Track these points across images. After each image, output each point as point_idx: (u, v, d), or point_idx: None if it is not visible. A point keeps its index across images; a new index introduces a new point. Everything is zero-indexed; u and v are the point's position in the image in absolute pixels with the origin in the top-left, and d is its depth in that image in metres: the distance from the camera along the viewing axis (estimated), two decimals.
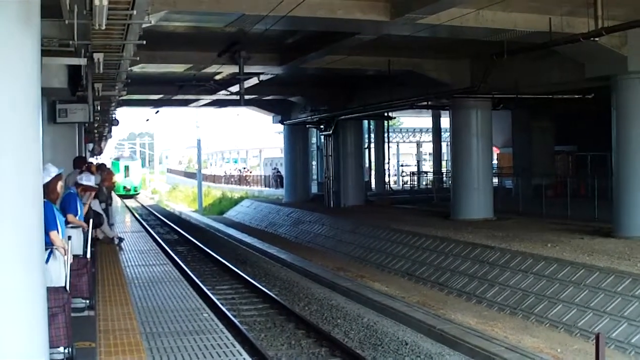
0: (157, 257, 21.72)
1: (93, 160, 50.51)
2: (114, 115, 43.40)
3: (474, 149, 33.84)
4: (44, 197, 9.62)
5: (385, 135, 56.50)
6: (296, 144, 56.32)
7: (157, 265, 20.05)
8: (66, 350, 9.36)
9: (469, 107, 33.79)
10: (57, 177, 10.64)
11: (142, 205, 76.16)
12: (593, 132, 39.46)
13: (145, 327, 12.21)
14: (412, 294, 23.53)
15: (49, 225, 9.89)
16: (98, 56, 15.80)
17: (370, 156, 57.03)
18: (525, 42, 24.86)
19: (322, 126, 49.20)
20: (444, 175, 56.41)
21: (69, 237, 10.97)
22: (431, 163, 70.32)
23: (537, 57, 28.66)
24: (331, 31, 25.96)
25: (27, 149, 7.54)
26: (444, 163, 64.47)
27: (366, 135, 55.97)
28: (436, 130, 63.80)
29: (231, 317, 19.45)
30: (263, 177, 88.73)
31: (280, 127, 60.47)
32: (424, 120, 76.60)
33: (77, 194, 14.53)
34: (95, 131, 44.32)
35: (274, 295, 23.02)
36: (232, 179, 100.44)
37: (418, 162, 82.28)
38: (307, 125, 53.06)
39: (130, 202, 75.25)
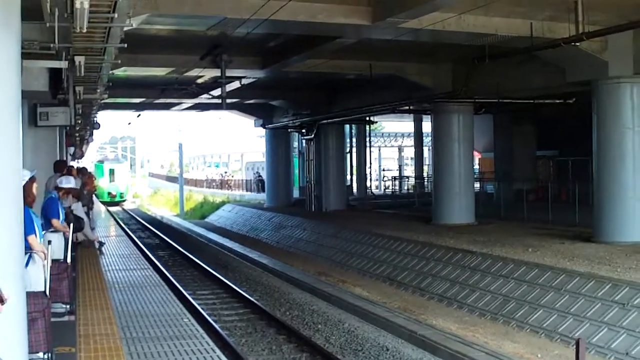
0: (138, 262, 21.66)
1: (74, 163, 50.33)
2: (95, 119, 43.24)
3: (456, 153, 33.87)
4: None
5: (367, 139, 56.55)
6: (278, 148, 56.30)
7: (138, 269, 19.99)
8: (46, 356, 9.30)
9: (451, 112, 33.83)
10: (32, 180, 10.55)
11: (124, 209, 75.99)
12: (574, 137, 39.58)
13: (125, 332, 12.17)
14: (393, 299, 23.51)
15: (27, 229, 9.82)
16: (79, 59, 15.71)
17: (352, 160, 57.00)
18: (507, 47, 24.89)
19: (303, 130, 49.20)
20: (426, 180, 56.43)
21: (49, 242, 10.91)
22: (413, 167, 70.35)
23: (518, 62, 28.73)
24: (313, 35, 25.95)
25: (7, 152, 7.49)
26: (425, 167, 64.60)
27: (348, 140, 55.99)
28: (418, 134, 63.81)
29: (212, 322, 19.39)
30: (245, 181, 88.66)
31: (262, 131, 60.41)
32: (406, 124, 76.67)
33: (58, 199, 14.46)
34: (77, 134, 44.09)
35: (255, 301, 22.98)
36: (214, 183, 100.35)
37: (400, 166, 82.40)
38: (289, 130, 53.07)
39: (112, 207, 72.91)
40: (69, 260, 13.03)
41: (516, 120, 47.40)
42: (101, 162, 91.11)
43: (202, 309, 21.33)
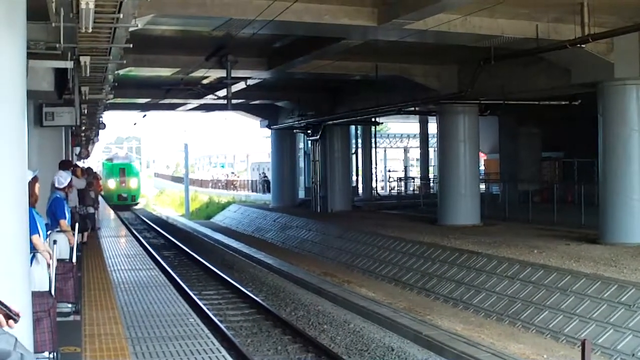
0: (143, 262, 21.67)
1: (80, 163, 50.37)
2: (101, 119, 43.30)
3: (461, 154, 33.87)
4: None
5: (373, 140, 56.52)
6: (283, 149, 56.32)
7: (143, 269, 20.00)
8: (51, 355, 9.31)
9: (456, 113, 33.82)
10: (34, 180, 10.55)
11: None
12: (580, 139, 39.52)
13: (131, 332, 12.17)
14: (398, 300, 23.50)
15: (31, 229, 9.83)
16: (85, 59, 15.75)
17: (357, 161, 56.99)
18: (512, 48, 24.87)
19: (309, 131, 49.20)
20: (431, 181, 56.40)
21: (54, 242, 10.92)
22: (418, 169, 70.33)
23: (524, 63, 28.71)
24: (318, 36, 25.96)
25: (12, 153, 7.50)
26: (431, 169, 64.55)
27: (353, 141, 55.96)
28: (423, 135, 63.84)
29: (217, 322, 19.40)
30: (250, 182, 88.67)
31: (267, 132, 60.45)
32: (412, 125, 76.67)
33: (64, 199, 14.48)
34: (83, 134, 44.17)
35: (260, 301, 22.97)
36: (219, 184, 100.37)
37: (405, 167, 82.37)
38: (295, 130, 53.06)
39: (123, 211, 65.68)
40: (74, 260, 13.04)
41: (522, 122, 47.41)
42: (110, 160, 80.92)
43: (208, 309, 21.34)
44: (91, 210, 27.05)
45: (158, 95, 44.16)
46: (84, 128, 38.72)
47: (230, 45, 28.62)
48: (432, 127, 53.03)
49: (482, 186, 42.33)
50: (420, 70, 34.03)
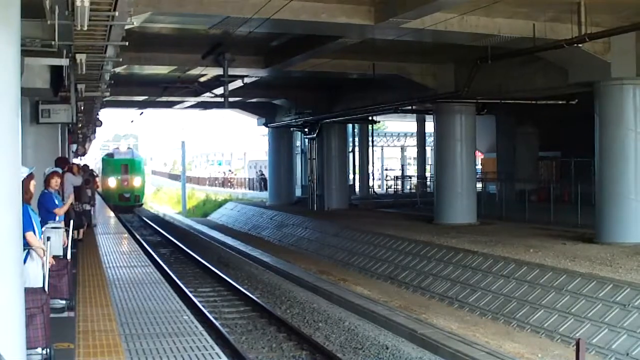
0: (139, 259, 21.65)
1: (77, 160, 50.35)
2: (97, 116, 43.27)
3: (458, 153, 33.89)
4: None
5: (370, 139, 56.55)
6: (280, 147, 56.37)
7: (139, 266, 19.97)
8: (44, 351, 9.32)
9: (453, 112, 33.84)
10: (29, 177, 10.54)
11: None
12: (577, 138, 39.50)
13: (125, 328, 12.17)
14: (394, 298, 23.51)
15: (25, 226, 9.82)
16: (81, 57, 15.74)
17: (354, 160, 56.99)
18: (509, 48, 24.89)
19: (306, 129, 49.27)
20: (428, 180, 56.43)
21: (48, 238, 10.92)
22: (415, 167, 70.35)
23: (521, 63, 28.77)
24: (315, 34, 25.96)
25: (6, 149, 7.50)
26: (428, 167, 64.58)
27: (350, 139, 55.97)
28: (420, 134, 63.84)
29: (212, 319, 19.40)
30: (247, 179, 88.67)
31: (265, 130, 60.39)
32: (409, 124, 76.72)
33: (52, 193, 14.51)
34: (79, 132, 44.18)
35: (255, 298, 22.97)
36: (216, 182, 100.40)
37: (402, 166, 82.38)
38: (292, 128, 53.16)
39: (124, 213, 59.19)
40: (69, 256, 13.03)
41: (519, 121, 47.47)
42: (111, 155, 70.05)
43: (203, 306, 21.34)
44: (87, 207, 27.03)
45: (155, 93, 44.18)
46: (80, 125, 38.69)
47: (227, 43, 28.64)
48: (430, 126, 52.99)
49: (479, 185, 42.40)
50: (417, 69, 34.05)
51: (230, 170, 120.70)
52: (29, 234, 10.22)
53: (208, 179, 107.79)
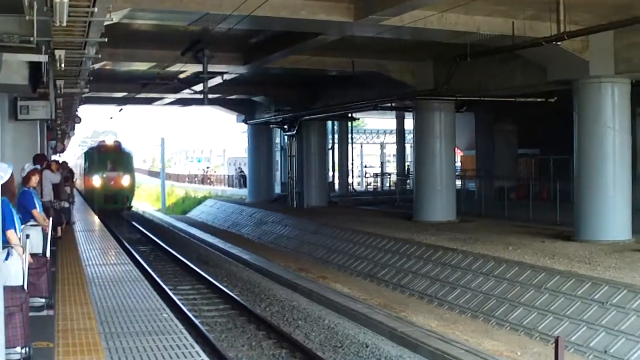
0: (118, 257, 21.57)
1: (56, 157, 50.11)
2: (76, 112, 43.08)
3: (437, 151, 33.95)
4: (1, 195, 9.56)
5: (349, 136, 56.62)
6: (260, 144, 56.37)
7: (118, 264, 19.89)
8: (23, 350, 9.26)
9: (433, 109, 33.89)
10: (13, 175, 10.51)
11: None
12: (556, 136, 39.65)
13: (104, 327, 12.11)
14: (373, 296, 23.53)
15: (6, 223, 9.77)
16: (59, 53, 15.65)
17: (333, 157, 57.01)
18: (488, 45, 24.95)
19: (285, 126, 49.25)
20: (408, 177, 56.51)
21: (27, 236, 10.86)
22: (395, 164, 70.43)
23: (500, 60, 28.81)
24: (295, 31, 25.93)
25: None
26: (407, 164, 64.66)
27: (330, 136, 55.95)
28: (400, 131, 63.96)
29: (192, 317, 19.37)
30: (227, 176, 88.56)
31: (244, 127, 60.36)
32: (388, 121, 76.77)
33: (32, 191, 14.41)
34: (58, 128, 43.96)
35: (235, 296, 22.95)
36: (196, 178, 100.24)
37: (381, 163, 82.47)
38: (271, 125, 53.19)
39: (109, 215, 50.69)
40: (48, 254, 12.97)
41: (498, 119, 47.63)
42: (95, 149, 59.17)
43: (183, 304, 21.31)
44: (66, 204, 26.93)
45: (134, 89, 44.07)
46: (59, 122, 38.52)
47: (207, 40, 28.56)
48: (409, 123, 53.10)
49: (458, 182, 42.44)
50: (396, 66, 34.07)
51: (209, 167, 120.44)
52: (10, 232, 10.16)
53: (187, 175, 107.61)
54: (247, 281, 26.37)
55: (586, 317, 17.57)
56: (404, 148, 64.61)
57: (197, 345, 11.18)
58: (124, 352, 10.61)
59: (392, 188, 56.27)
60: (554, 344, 13.03)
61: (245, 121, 56.19)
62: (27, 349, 9.31)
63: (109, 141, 61.70)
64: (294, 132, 48.07)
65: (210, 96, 37.09)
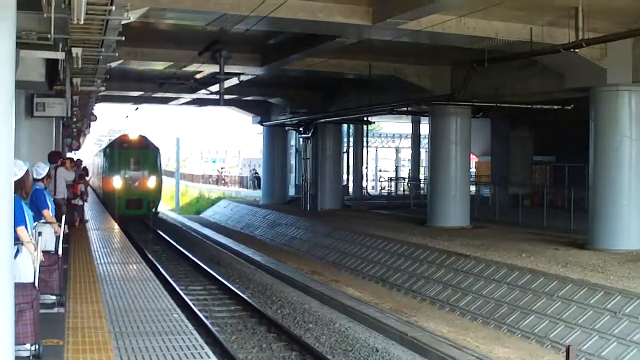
0: (130, 255, 21.56)
1: (71, 155, 50.13)
2: (92, 111, 43.14)
3: (452, 156, 33.88)
4: (15, 192, 9.56)
5: (365, 139, 56.52)
6: (275, 146, 56.31)
7: (130, 263, 19.89)
8: (33, 347, 9.25)
9: (449, 114, 33.82)
10: (28, 172, 10.52)
11: None
12: (572, 144, 39.58)
13: (114, 325, 12.09)
14: (385, 300, 23.47)
15: (18, 220, 9.76)
16: (77, 51, 15.68)
17: (348, 160, 56.94)
18: (506, 51, 24.88)
19: (301, 128, 49.24)
20: (422, 182, 56.41)
21: (39, 233, 10.85)
22: (409, 169, 70.31)
23: (517, 67, 28.74)
24: (312, 33, 25.91)
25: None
26: (422, 169, 64.57)
27: (345, 139, 55.85)
28: (415, 136, 63.87)
29: (202, 318, 19.36)
30: (241, 177, 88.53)
31: (260, 128, 60.32)
32: (404, 125, 76.70)
33: (43, 189, 14.38)
34: (74, 126, 43.98)
35: (246, 298, 22.92)
36: (210, 179, 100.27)
37: (396, 167, 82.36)
38: (287, 127, 53.14)
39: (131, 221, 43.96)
40: (60, 252, 12.96)
41: (514, 125, 47.49)
42: (114, 144, 51.02)
43: (194, 304, 21.30)
44: (80, 202, 26.99)
45: (151, 88, 44.11)
46: (75, 119, 38.56)
47: (224, 40, 28.57)
48: (424, 128, 53.03)
49: (473, 188, 42.38)
50: (413, 70, 34.03)
51: (223, 168, 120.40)
52: (20, 229, 10.14)
53: (202, 176, 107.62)
54: (259, 283, 26.34)
55: (598, 326, 17.47)
56: (419, 153, 64.52)
57: (207, 346, 11.16)
58: (134, 352, 10.58)
59: (407, 193, 56.17)
60: (565, 353, 12.96)
61: (261, 123, 56.18)
62: (37, 346, 9.30)
63: (134, 136, 50.52)
64: (309, 134, 48.03)
65: (226, 97, 37.05)
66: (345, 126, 54.48)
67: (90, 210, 35.45)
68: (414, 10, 20.25)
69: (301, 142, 53.55)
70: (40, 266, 10.55)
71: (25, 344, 9.09)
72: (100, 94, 31.10)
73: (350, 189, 58.15)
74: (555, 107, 33.47)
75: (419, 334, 18.25)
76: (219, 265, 29.95)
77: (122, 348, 10.75)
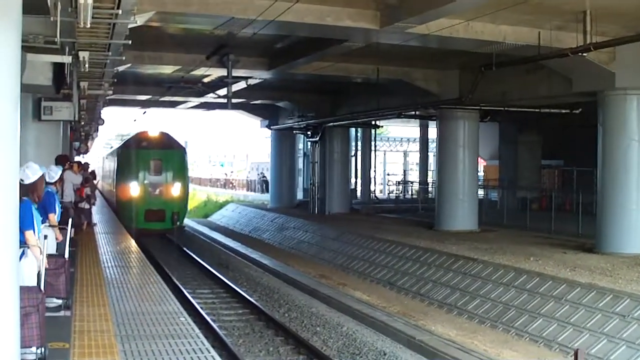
0: (138, 259, 21.58)
1: (79, 158, 50.18)
2: (100, 114, 43.13)
3: (460, 160, 33.85)
4: (25, 196, 9.57)
5: (372, 143, 56.46)
6: (283, 150, 56.29)
7: (137, 266, 19.92)
8: (39, 351, 9.23)
9: (456, 118, 33.78)
10: (42, 177, 10.54)
11: None
12: (580, 147, 39.49)
13: (121, 329, 12.09)
14: (393, 304, 23.45)
15: (26, 224, 9.75)
16: (83, 54, 15.69)
17: (356, 164, 56.87)
18: (514, 55, 24.84)
19: (309, 132, 49.20)
20: (430, 186, 56.35)
21: (45, 237, 10.84)
22: (417, 173, 70.22)
23: (525, 71, 28.68)
24: (320, 37, 25.89)
25: (4, 146, 7.42)
26: (430, 173, 64.48)
27: (353, 143, 55.79)
28: (423, 140, 63.79)
29: (210, 321, 19.36)
30: (249, 181, 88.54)
31: (268, 132, 60.33)
32: (412, 129, 76.59)
33: (55, 193, 14.37)
34: (81, 130, 44.00)
35: (254, 301, 22.92)
36: (218, 182, 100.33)
37: (404, 171, 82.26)
38: (294, 131, 53.06)
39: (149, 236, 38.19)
40: (67, 255, 12.95)
41: (522, 129, 47.42)
42: (130, 143, 43.32)
43: (201, 307, 21.30)
44: (86, 206, 27.01)
45: (159, 92, 44.06)
46: (82, 123, 38.51)
47: (232, 44, 28.60)
48: (432, 132, 52.93)
49: (481, 192, 42.32)
50: (421, 74, 34.00)
51: (231, 172, 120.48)
52: (28, 233, 10.13)
53: (210, 179, 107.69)
54: (267, 286, 26.33)
55: (606, 330, 17.43)
56: (427, 157, 64.43)
57: (212, 349, 11.15)
58: (140, 355, 10.59)
59: (415, 196, 56.10)
60: (573, 356, 12.93)
61: (268, 126, 56.20)
62: (43, 349, 9.28)
63: (155, 133, 42.77)
64: (317, 138, 48.02)
65: (234, 101, 37.10)
66: (353, 130, 54.45)
67: (97, 214, 35.41)
68: (422, 14, 20.22)
69: (309, 146, 53.56)
70: (46, 269, 10.55)
71: (31, 347, 9.06)
72: (107, 97, 31.07)
73: (358, 193, 58.08)
74: (563, 111, 33.42)
75: (426, 337, 18.24)
76: (227, 269, 29.93)
77: (128, 351, 10.75)
